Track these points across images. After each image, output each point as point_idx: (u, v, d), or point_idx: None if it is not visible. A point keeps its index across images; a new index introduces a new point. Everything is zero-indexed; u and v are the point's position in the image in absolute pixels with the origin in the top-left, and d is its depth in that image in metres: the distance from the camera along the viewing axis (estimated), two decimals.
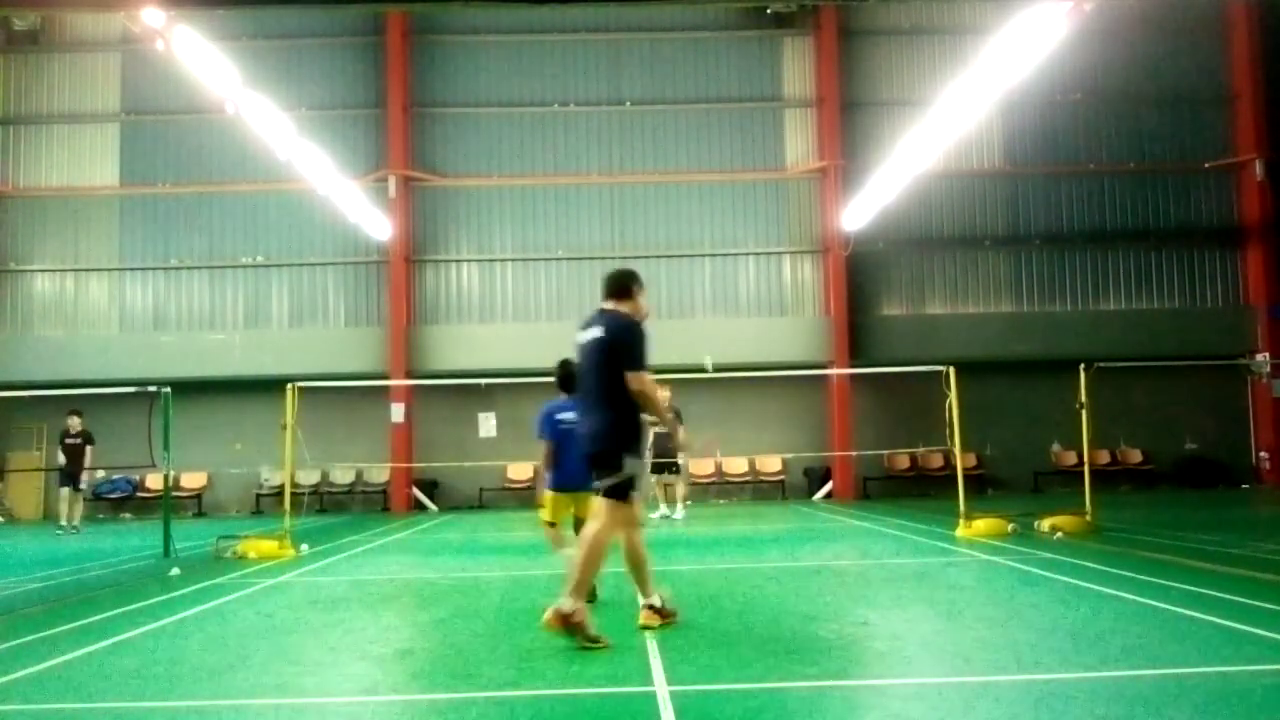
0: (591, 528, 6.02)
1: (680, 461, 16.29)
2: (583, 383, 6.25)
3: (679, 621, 6.33)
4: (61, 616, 7.43)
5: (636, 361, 5.93)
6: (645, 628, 6.14)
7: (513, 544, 13.02)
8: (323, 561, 11.27)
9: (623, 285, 6.22)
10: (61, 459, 17.45)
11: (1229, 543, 10.59)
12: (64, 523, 17.25)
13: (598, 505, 6.09)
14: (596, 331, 6.04)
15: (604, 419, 5.98)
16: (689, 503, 17.59)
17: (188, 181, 23.39)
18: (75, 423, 17.38)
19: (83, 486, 17.91)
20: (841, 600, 7.41)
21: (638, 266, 6.91)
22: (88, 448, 17.35)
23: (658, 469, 15.57)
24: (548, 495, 7.85)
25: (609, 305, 6.20)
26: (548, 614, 5.70)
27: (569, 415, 7.35)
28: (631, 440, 5.99)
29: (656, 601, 6.31)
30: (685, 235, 23.39)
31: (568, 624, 5.66)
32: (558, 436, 7.56)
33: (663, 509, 16.41)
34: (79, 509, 17.63)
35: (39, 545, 15.07)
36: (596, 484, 6.10)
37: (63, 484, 17.67)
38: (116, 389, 14.43)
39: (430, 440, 22.86)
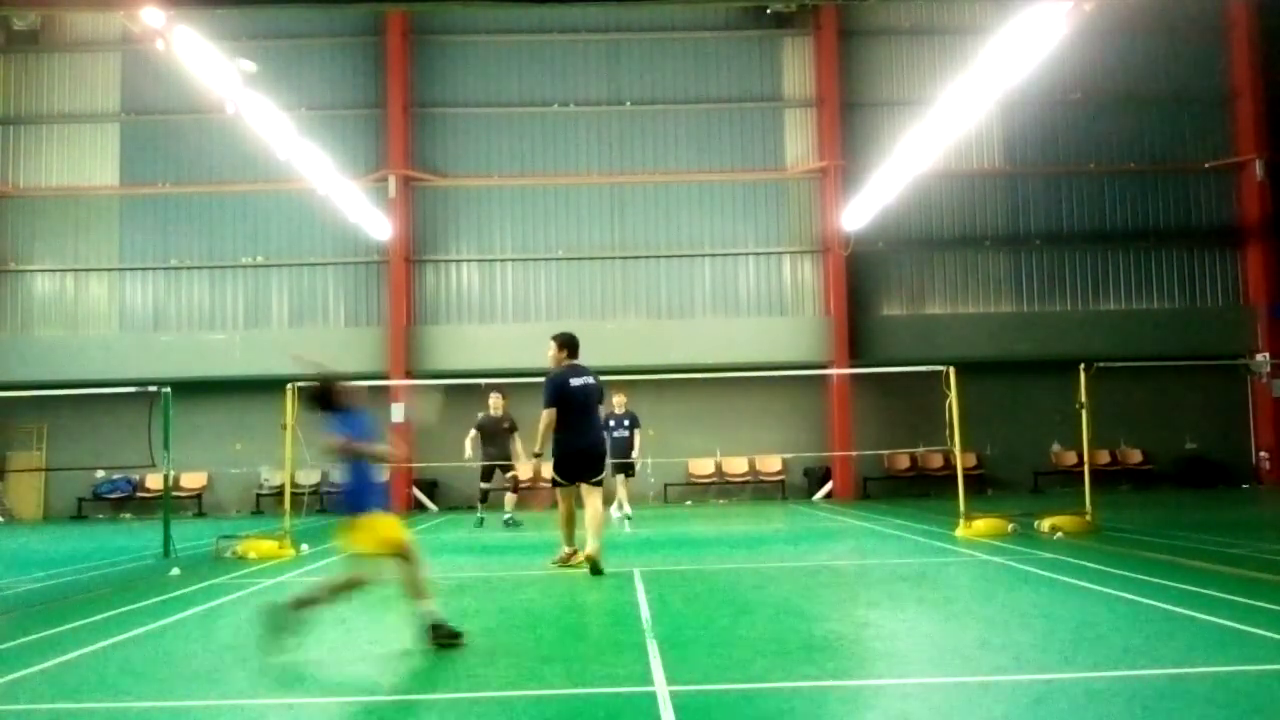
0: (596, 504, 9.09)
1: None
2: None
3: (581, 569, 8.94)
4: (61, 616, 7.43)
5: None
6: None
7: (513, 544, 13.01)
8: (323, 561, 11.25)
9: None
10: None
11: (1229, 543, 10.58)
12: None
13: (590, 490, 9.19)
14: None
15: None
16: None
17: (188, 181, 23.37)
18: None
19: None
20: (841, 600, 7.40)
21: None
22: None
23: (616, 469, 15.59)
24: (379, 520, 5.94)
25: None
26: (585, 554, 8.88)
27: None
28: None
29: (565, 554, 9.43)
30: (685, 235, 23.36)
31: (594, 563, 8.81)
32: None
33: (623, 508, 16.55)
34: None
35: (39, 545, 15.06)
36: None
37: None
38: (116, 389, 14.41)
39: (430, 440, 22.83)
